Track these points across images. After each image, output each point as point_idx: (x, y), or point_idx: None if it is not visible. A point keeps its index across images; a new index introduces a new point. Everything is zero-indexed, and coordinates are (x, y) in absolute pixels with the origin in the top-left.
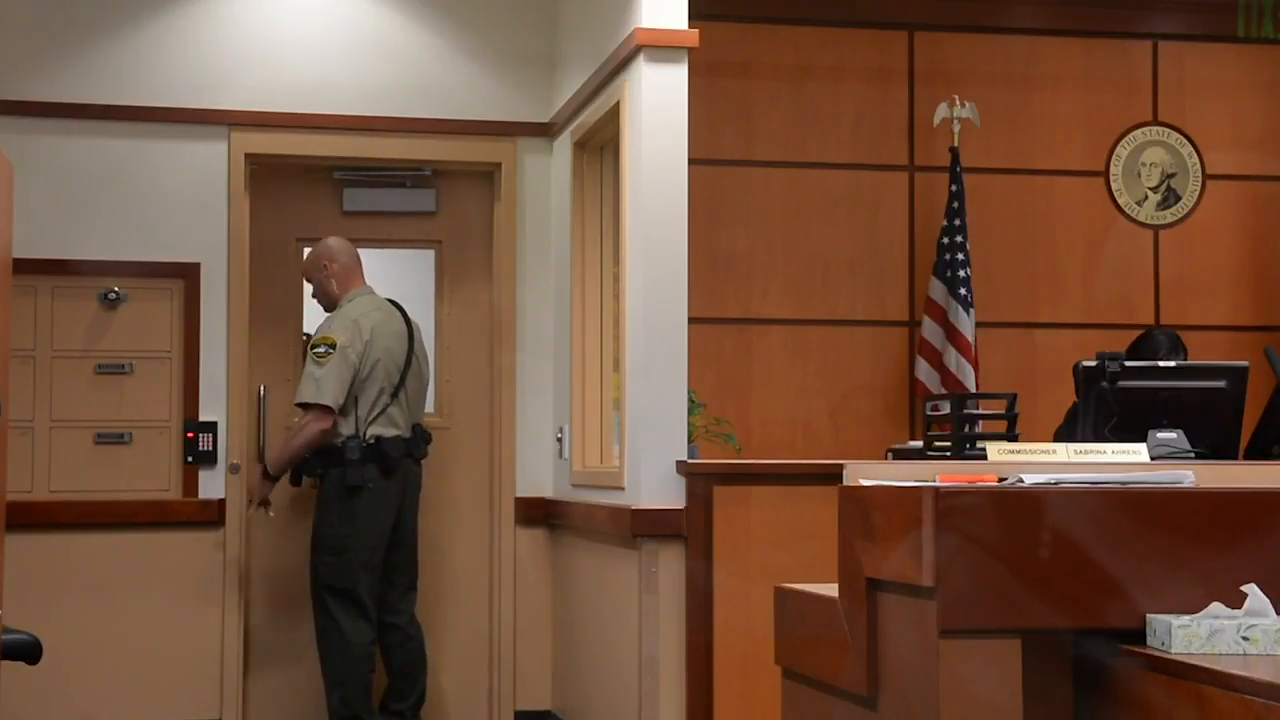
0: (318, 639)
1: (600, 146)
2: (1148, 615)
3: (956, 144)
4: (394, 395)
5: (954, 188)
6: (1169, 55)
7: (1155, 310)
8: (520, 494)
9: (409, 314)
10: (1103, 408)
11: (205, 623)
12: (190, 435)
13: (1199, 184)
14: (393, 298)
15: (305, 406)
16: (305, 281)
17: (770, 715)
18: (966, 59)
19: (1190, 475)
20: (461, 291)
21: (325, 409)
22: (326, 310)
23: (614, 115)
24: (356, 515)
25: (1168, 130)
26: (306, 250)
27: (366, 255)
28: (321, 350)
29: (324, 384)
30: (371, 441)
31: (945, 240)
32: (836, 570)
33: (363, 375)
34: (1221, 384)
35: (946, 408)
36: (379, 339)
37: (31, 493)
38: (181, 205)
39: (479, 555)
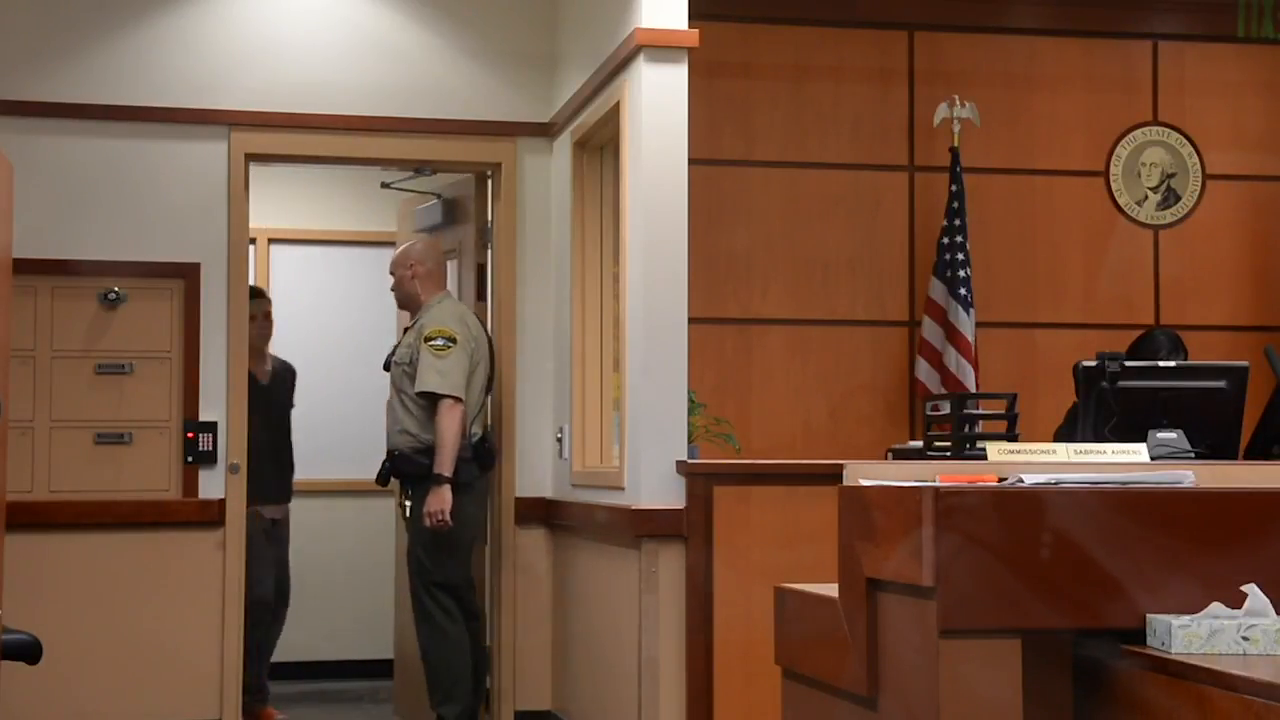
0: (427, 641)
1: (600, 146)
2: (1148, 615)
3: (956, 144)
4: (483, 396)
5: (954, 188)
6: (1169, 55)
7: (1155, 310)
8: (520, 494)
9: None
10: (1103, 408)
11: (205, 623)
12: (190, 435)
13: (1199, 184)
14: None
15: (428, 397)
16: (391, 276)
17: (770, 715)
18: (966, 59)
19: (1190, 475)
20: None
21: (455, 400)
22: (405, 309)
23: (614, 115)
24: (465, 511)
25: (1168, 130)
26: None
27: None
28: (440, 343)
29: (449, 376)
30: (476, 438)
31: (945, 240)
32: (836, 570)
33: (470, 371)
34: (1221, 384)
35: (946, 408)
36: (478, 340)
37: (31, 493)
38: (181, 205)
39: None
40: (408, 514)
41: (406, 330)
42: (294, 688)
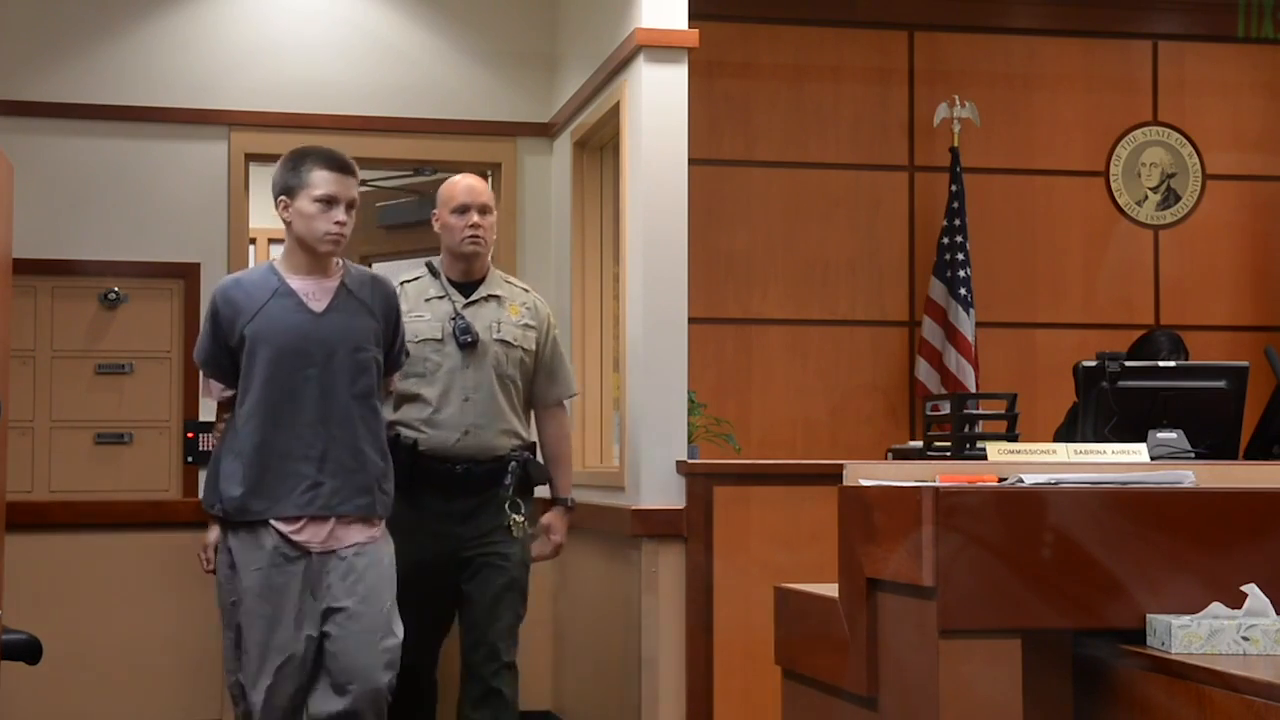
0: (514, 697)
1: (600, 146)
2: (1148, 615)
3: (956, 144)
4: None
5: (954, 188)
6: (1169, 55)
7: (1155, 310)
8: None
9: None
10: (1103, 408)
11: (205, 623)
12: (190, 435)
13: (1199, 184)
14: None
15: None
16: (475, 214)
17: (770, 715)
18: (966, 59)
19: (1190, 475)
20: None
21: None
22: (475, 264)
23: (614, 115)
24: None
25: (1168, 130)
26: (471, 181)
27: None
28: (557, 332)
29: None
30: None
31: (945, 240)
32: (836, 570)
33: None
34: (1221, 384)
35: (946, 408)
36: None
37: (31, 493)
38: (181, 205)
39: None
40: (520, 533)
41: (480, 299)
42: None
